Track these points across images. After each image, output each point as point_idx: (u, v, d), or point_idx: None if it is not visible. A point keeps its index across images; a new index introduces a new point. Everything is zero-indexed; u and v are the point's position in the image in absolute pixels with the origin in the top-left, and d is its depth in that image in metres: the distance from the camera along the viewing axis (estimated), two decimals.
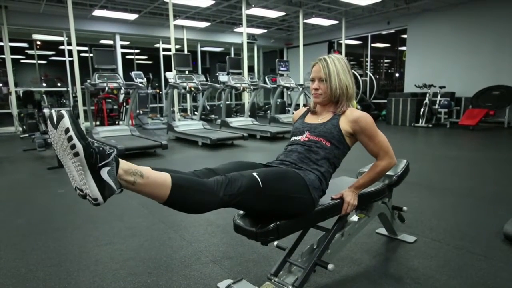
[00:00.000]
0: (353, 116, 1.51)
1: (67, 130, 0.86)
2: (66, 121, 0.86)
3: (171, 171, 1.14)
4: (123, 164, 0.99)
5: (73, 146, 0.86)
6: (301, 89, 8.38)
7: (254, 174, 1.24)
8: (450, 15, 8.64)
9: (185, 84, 6.31)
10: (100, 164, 0.90)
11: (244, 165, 1.45)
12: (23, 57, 13.04)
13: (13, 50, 8.71)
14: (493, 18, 7.90)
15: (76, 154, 0.87)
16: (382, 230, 2.19)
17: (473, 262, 1.81)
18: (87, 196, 0.94)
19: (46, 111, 5.91)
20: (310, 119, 1.64)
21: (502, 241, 2.04)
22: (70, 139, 0.86)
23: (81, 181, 0.91)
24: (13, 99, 7.79)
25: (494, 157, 4.72)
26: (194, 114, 9.87)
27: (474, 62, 8.31)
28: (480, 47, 8.17)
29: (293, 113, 8.80)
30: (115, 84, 5.60)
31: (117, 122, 7.55)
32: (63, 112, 0.89)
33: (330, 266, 1.39)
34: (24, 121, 6.69)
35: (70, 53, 8.30)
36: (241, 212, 1.40)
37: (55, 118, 0.90)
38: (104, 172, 0.91)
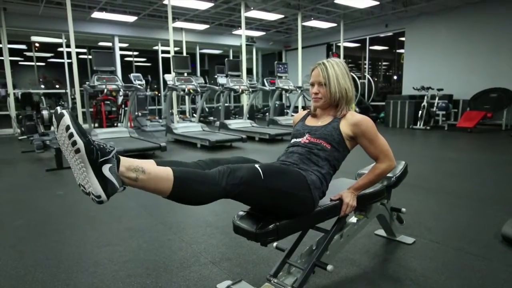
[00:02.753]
0: (354, 119, 1.52)
1: (67, 128, 0.87)
2: (67, 119, 0.88)
3: (174, 163, 1.15)
4: (124, 161, 0.99)
5: (74, 143, 0.87)
6: (299, 91, 8.40)
7: (256, 166, 1.26)
8: (448, 18, 8.68)
9: (184, 86, 6.32)
10: (101, 160, 0.91)
11: (247, 160, 1.48)
12: (22, 59, 13.04)
13: (12, 52, 8.70)
14: (491, 21, 7.95)
15: (78, 151, 0.88)
16: (381, 232, 2.20)
17: (471, 263, 1.82)
18: (90, 194, 0.94)
19: (44, 112, 5.91)
20: (310, 121, 1.65)
21: (501, 242, 2.05)
22: (71, 135, 0.87)
23: (84, 179, 0.92)
24: (11, 101, 7.77)
25: (492, 159, 4.74)
26: (193, 116, 9.87)
27: (471, 64, 8.36)
28: (478, 50, 8.22)
29: (292, 115, 8.82)
30: (114, 86, 5.60)
31: (115, 124, 7.55)
32: (63, 111, 0.90)
33: (329, 267, 1.40)
34: (23, 123, 6.68)
35: (69, 55, 8.28)
36: (241, 213, 1.40)
37: (55, 119, 0.92)
38: (105, 169, 0.92)
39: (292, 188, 1.31)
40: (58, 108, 0.92)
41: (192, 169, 1.17)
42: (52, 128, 6.20)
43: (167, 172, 1.05)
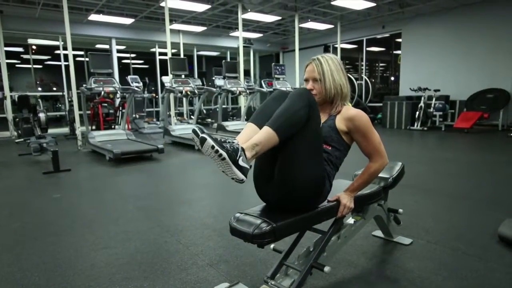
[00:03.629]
0: (348, 114, 1.52)
1: (212, 147, 1.17)
2: (209, 142, 1.17)
3: (264, 114, 1.40)
4: (246, 148, 1.24)
5: (220, 155, 1.17)
6: None
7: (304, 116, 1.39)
8: (444, 19, 8.72)
9: (181, 88, 6.31)
10: (238, 158, 1.20)
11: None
12: (19, 61, 13.00)
13: (8, 55, 8.67)
14: (487, 22, 7.99)
15: (223, 159, 1.18)
16: (378, 233, 2.20)
17: (468, 263, 1.82)
18: (233, 179, 1.23)
19: (41, 115, 5.89)
20: None
21: (497, 243, 2.05)
22: (216, 151, 1.17)
23: (229, 173, 1.21)
24: (8, 103, 7.74)
25: (489, 159, 4.76)
26: (191, 118, 9.86)
27: (468, 65, 8.39)
28: (474, 51, 8.25)
29: None
30: (111, 89, 5.59)
31: (113, 127, 7.52)
32: (204, 135, 1.18)
33: (326, 269, 1.40)
34: (19, 125, 6.64)
35: (66, 57, 8.27)
36: (238, 214, 1.40)
37: (198, 141, 1.20)
38: (240, 161, 1.21)
39: (320, 162, 1.44)
40: (201, 133, 1.20)
41: (279, 112, 1.33)
42: (48, 130, 6.19)
43: (269, 132, 1.28)
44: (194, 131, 1.22)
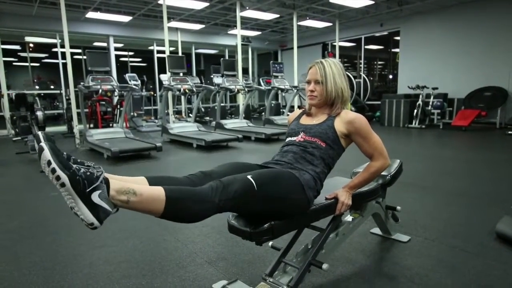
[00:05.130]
0: (348, 117, 1.53)
1: (49, 163, 0.85)
2: (47, 154, 0.86)
3: (165, 179, 1.14)
4: (114, 184, 0.97)
5: (58, 178, 0.86)
6: (295, 91, 8.40)
7: (249, 177, 1.23)
8: (442, 17, 8.73)
9: (179, 86, 6.29)
10: (89, 189, 0.89)
11: (240, 166, 1.44)
12: (16, 59, 12.93)
13: (5, 53, 8.63)
14: (485, 19, 7.99)
15: (63, 185, 0.87)
16: (376, 230, 2.20)
17: (466, 260, 1.83)
18: (82, 220, 0.93)
19: (39, 113, 5.87)
20: (305, 120, 1.66)
21: (495, 240, 2.06)
22: (53, 171, 0.85)
23: (74, 208, 0.91)
24: (5, 101, 7.71)
25: (487, 157, 4.78)
26: (189, 116, 9.85)
27: (466, 63, 8.41)
28: (472, 49, 8.27)
29: (287, 115, 8.82)
30: (109, 87, 5.57)
31: (111, 125, 7.50)
32: (42, 144, 0.87)
33: (324, 266, 1.40)
34: (17, 124, 6.61)
35: (63, 55, 8.25)
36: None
37: (37, 150, 0.89)
38: (95, 196, 0.90)
39: (286, 192, 1.31)
40: (41, 142, 0.89)
41: (184, 187, 1.14)
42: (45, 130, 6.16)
43: (158, 192, 1.02)
44: (36, 136, 0.93)
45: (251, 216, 1.35)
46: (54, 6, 7.90)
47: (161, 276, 1.74)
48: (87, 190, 0.88)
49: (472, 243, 2.04)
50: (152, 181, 1.13)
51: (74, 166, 0.90)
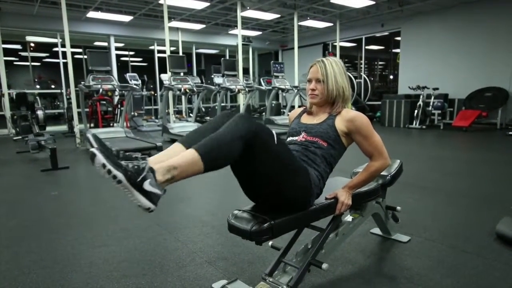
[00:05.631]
0: (348, 116, 1.53)
1: (104, 165, 0.97)
2: (100, 158, 0.97)
3: (193, 136, 1.25)
4: (158, 169, 1.06)
5: (114, 177, 0.97)
6: (296, 91, 8.40)
7: (273, 131, 1.28)
8: (443, 18, 8.72)
9: (180, 86, 6.29)
10: (140, 180, 1.01)
11: None
12: (17, 59, 12.96)
13: (6, 52, 8.63)
14: (486, 20, 7.99)
15: (119, 182, 0.98)
16: (376, 230, 2.20)
17: (466, 261, 1.83)
18: (139, 206, 1.04)
19: (39, 112, 5.88)
20: (306, 119, 1.65)
21: (495, 240, 2.06)
22: (109, 172, 0.97)
23: (132, 198, 1.02)
24: (6, 101, 7.72)
25: (487, 158, 4.77)
26: (189, 116, 9.84)
27: (467, 64, 8.40)
28: (473, 49, 8.26)
29: (288, 115, 8.83)
30: (109, 86, 5.57)
31: (111, 124, 7.50)
32: (94, 149, 0.99)
33: (324, 266, 1.40)
34: (17, 123, 6.62)
35: (64, 55, 8.23)
36: (236, 212, 1.40)
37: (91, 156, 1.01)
38: (146, 185, 1.01)
39: (297, 171, 1.34)
40: (93, 147, 1.02)
41: (212, 135, 1.18)
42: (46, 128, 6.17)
43: (192, 155, 1.10)
44: (88, 139, 1.05)
45: (253, 187, 1.36)
46: (55, 6, 7.91)
47: (161, 275, 1.74)
48: (138, 181, 1.00)
49: (472, 243, 2.03)
50: (185, 144, 1.22)
51: (124, 163, 1.01)
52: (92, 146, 1.00)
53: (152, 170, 1.04)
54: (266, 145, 1.24)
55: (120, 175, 0.97)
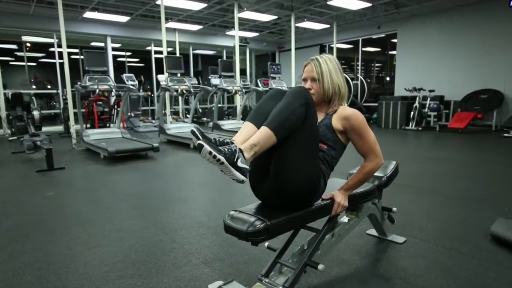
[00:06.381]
0: (344, 113, 1.52)
1: (210, 153, 1.19)
2: (207, 148, 1.19)
3: (260, 116, 1.41)
4: (245, 149, 1.27)
5: (218, 160, 1.20)
6: None
7: None
8: (439, 20, 8.78)
9: (177, 86, 6.29)
10: (235, 160, 1.23)
11: None
12: (13, 59, 12.87)
13: (2, 52, 8.60)
14: (481, 23, 8.05)
15: (222, 163, 1.21)
16: (372, 231, 2.21)
17: (461, 262, 1.84)
18: (233, 179, 1.25)
19: (35, 113, 5.85)
20: None
21: (490, 242, 2.07)
22: (215, 157, 1.19)
23: (229, 174, 1.24)
24: (1, 101, 7.67)
25: (483, 159, 4.80)
26: (186, 117, 9.83)
27: (462, 66, 8.45)
28: (469, 51, 8.32)
29: None
30: (106, 87, 5.56)
31: (108, 125, 7.48)
32: (201, 142, 1.20)
33: (320, 267, 1.40)
34: (13, 123, 6.59)
35: (61, 55, 8.20)
36: (232, 212, 1.40)
37: (197, 146, 1.22)
38: (239, 163, 1.23)
39: (316, 159, 1.45)
40: (199, 139, 1.22)
41: (275, 110, 1.36)
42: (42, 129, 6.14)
43: (266, 131, 1.31)
44: (193, 132, 1.26)
45: (274, 159, 1.41)
46: (51, 6, 7.87)
47: (156, 276, 1.74)
48: (234, 161, 1.22)
49: (468, 244, 2.04)
50: (254, 121, 1.41)
51: (222, 148, 1.23)
52: (198, 139, 1.22)
53: (240, 150, 1.26)
54: (312, 118, 1.41)
55: (222, 158, 1.20)
